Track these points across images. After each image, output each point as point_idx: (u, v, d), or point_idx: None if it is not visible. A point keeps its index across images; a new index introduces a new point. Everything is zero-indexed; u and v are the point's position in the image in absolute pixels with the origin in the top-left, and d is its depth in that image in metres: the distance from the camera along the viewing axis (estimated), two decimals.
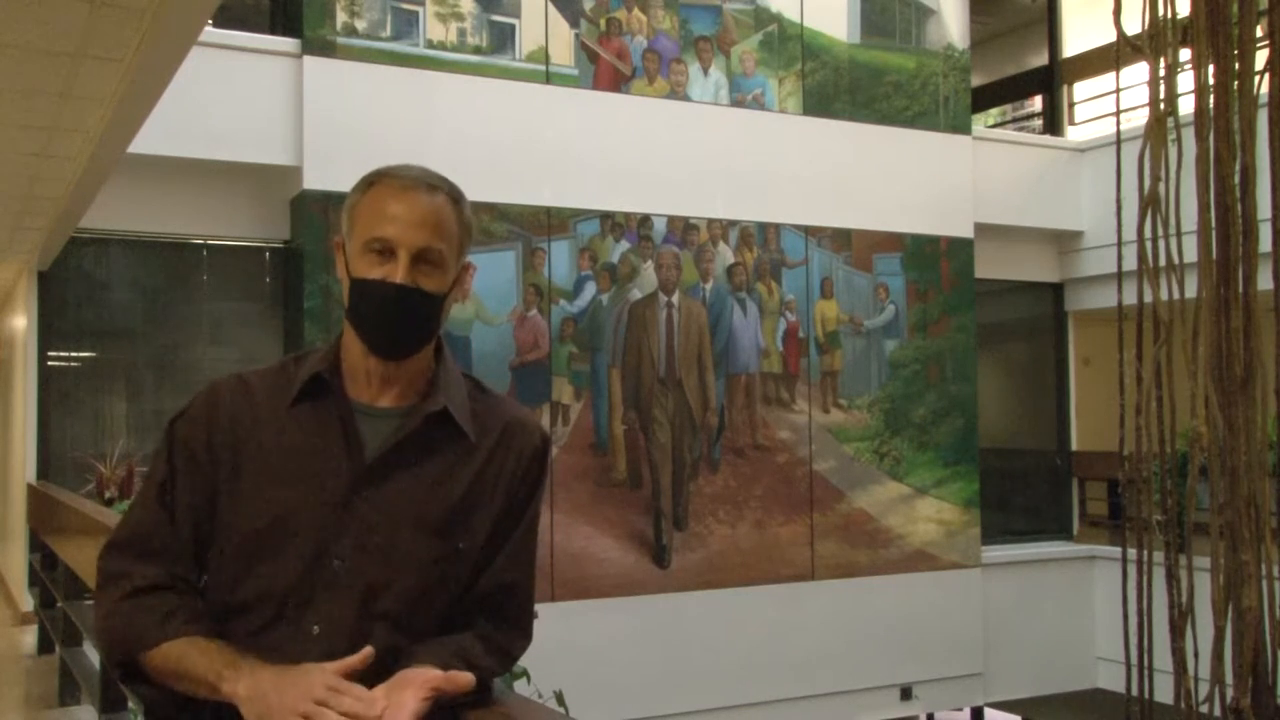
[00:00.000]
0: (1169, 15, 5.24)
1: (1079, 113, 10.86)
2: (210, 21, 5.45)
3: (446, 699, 1.38)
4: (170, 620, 1.44)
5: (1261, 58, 5.12)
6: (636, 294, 8.19)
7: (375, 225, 1.48)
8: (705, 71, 8.50)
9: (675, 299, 8.30)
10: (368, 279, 1.48)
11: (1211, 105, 5.11)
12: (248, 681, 1.35)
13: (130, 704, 3.76)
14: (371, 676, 1.41)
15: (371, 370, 1.53)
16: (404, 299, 1.47)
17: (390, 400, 1.54)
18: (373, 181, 1.53)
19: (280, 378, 1.56)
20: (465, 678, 1.38)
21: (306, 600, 1.46)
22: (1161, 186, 5.26)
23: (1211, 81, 5.11)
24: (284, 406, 1.53)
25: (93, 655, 4.91)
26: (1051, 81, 10.78)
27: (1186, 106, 5.46)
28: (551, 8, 7.96)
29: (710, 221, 8.45)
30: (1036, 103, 11.77)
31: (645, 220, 8.22)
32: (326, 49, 7.24)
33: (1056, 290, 10.67)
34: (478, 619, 1.54)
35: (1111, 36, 5.61)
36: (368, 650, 1.38)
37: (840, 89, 9.01)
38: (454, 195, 1.54)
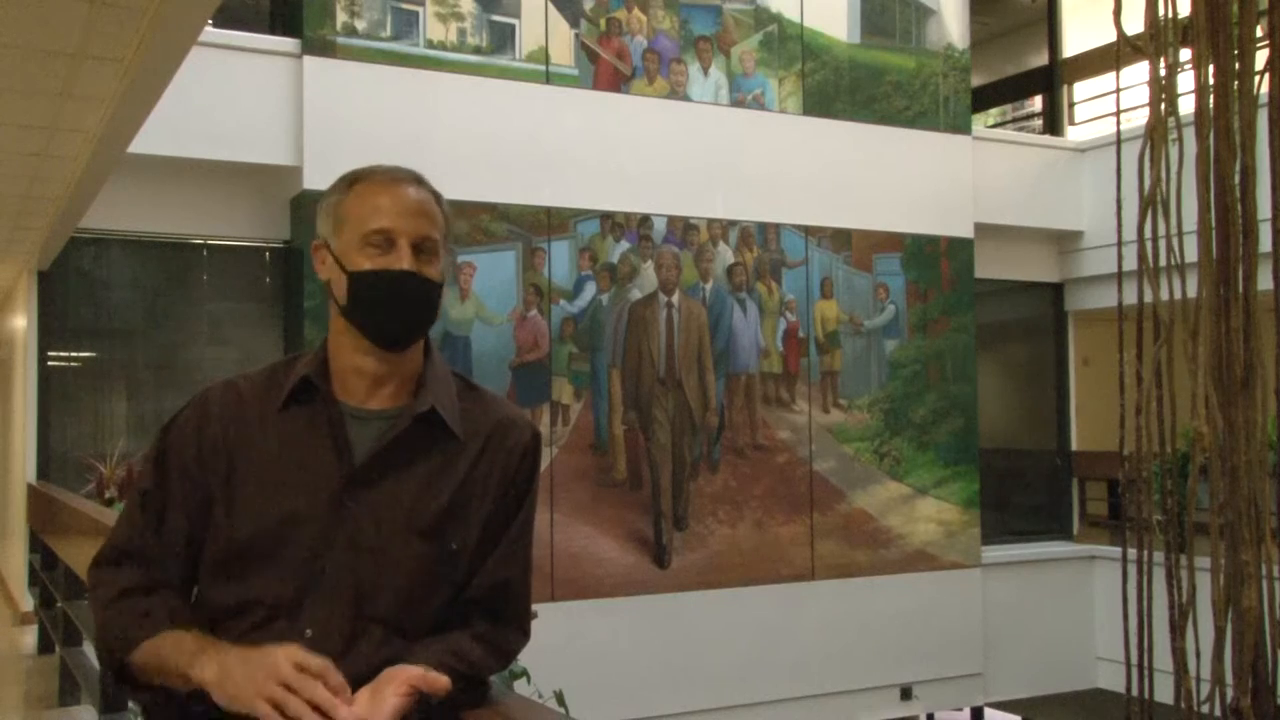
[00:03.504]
0: (1169, 15, 5.24)
1: (1079, 113, 10.86)
2: (210, 21, 5.45)
3: (428, 697, 1.39)
4: (146, 621, 1.45)
5: (1261, 58, 5.12)
6: (636, 294, 8.19)
7: (370, 219, 1.49)
8: (705, 71, 8.50)
9: (675, 299, 8.30)
10: (373, 269, 1.49)
11: (1211, 105, 5.11)
12: (214, 666, 1.35)
13: (130, 704, 3.76)
14: (367, 680, 1.41)
15: (363, 370, 1.53)
16: (412, 284, 1.49)
17: (380, 402, 1.54)
18: (355, 180, 1.54)
19: (270, 382, 1.57)
20: (441, 681, 1.38)
21: (299, 603, 1.46)
22: (1161, 186, 5.25)
23: (1211, 81, 5.11)
24: (274, 411, 1.53)
25: (93, 655, 4.91)
26: (1051, 81, 10.78)
27: (1186, 106, 5.46)
28: (551, 8, 7.96)
29: (710, 221, 8.45)
30: (1036, 103, 11.77)
31: (645, 220, 8.22)
32: (326, 49, 7.24)
33: (1056, 290, 10.68)
34: (474, 618, 1.54)
35: (1111, 36, 5.60)
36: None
37: (840, 89, 9.01)
38: (434, 191, 1.58)
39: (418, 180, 1.55)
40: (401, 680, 1.36)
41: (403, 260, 1.48)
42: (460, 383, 1.62)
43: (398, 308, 1.49)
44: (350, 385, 1.54)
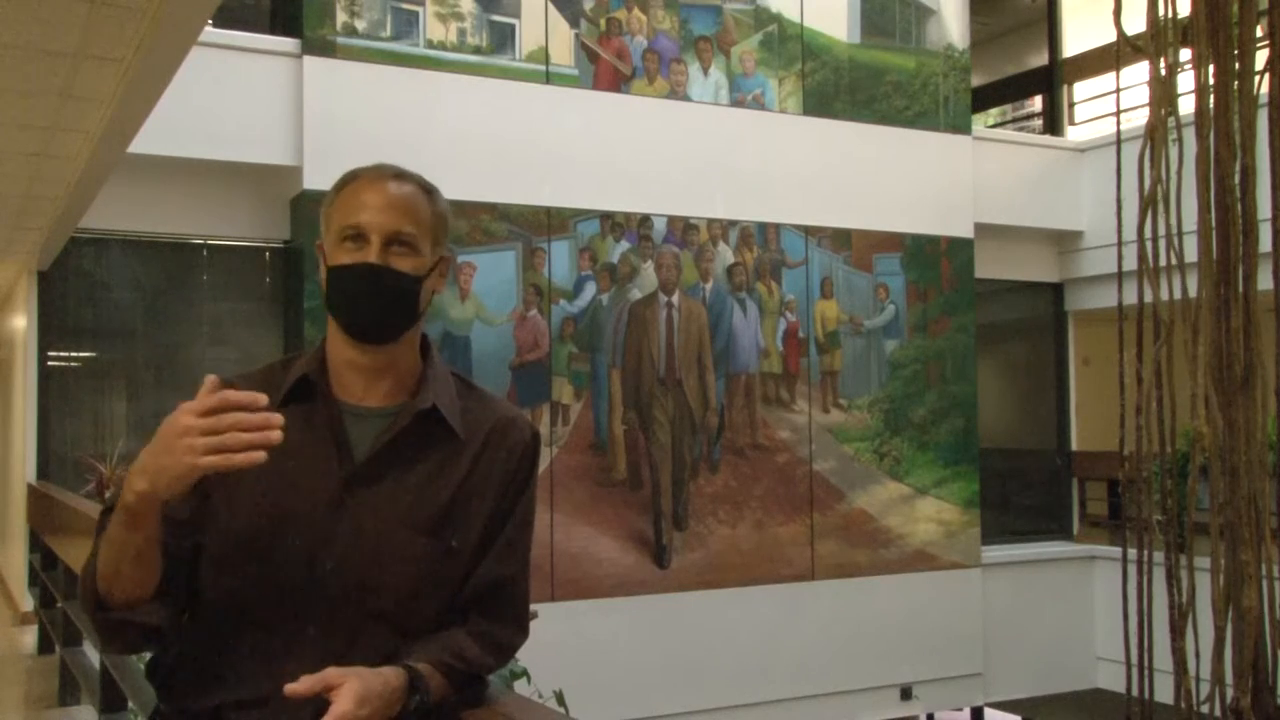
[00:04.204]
0: (1169, 15, 5.24)
1: (1079, 113, 10.87)
2: (210, 21, 5.45)
3: (426, 696, 1.39)
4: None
5: (1261, 58, 5.13)
6: (636, 294, 8.19)
7: (348, 215, 1.51)
8: (705, 71, 8.50)
9: (675, 299, 8.30)
10: (342, 263, 1.51)
11: (1211, 105, 5.11)
12: (137, 477, 1.31)
13: (130, 704, 3.76)
14: None
15: (357, 365, 1.54)
16: (378, 277, 1.49)
17: (378, 400, 1.55)
18: (347, 180, 1.56)
19: (266, 382, 1.56)
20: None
21: (301, 602, 1.46)
22: (1161, 186, 5.26)
23: (1211, 81, 5.11)
24: (271, 409, 1.53)
25: (93, 655, 4.91)
26: (1051, 81, 10.78)
27: (1186, 106, 5.47)
28: (551, 8, 7.96)
29: (710, 221, 8.45)
30: (1036, 103, 11.77)
31: (645, 220, 8.22)
32: (326, 49, 7.24)
33: (1056, 290, 10.68)
34: (473, 616, 1.54)
35: (1111, 36, 5.61)
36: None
37: (840, 89, 9.01)
38: (425, 186, 1.58)
39: (399, 175, 1.56)
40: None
41: (371, 254, 1.49)
42: (459, 382, 1.62)
43: (366, 300, 1.50)
44: (347, 383, 1.55)
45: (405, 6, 7.54)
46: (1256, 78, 5.09)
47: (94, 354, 7.51)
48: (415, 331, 1.57)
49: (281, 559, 1.47)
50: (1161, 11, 5.24)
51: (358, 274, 1.49)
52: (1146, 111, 5.59)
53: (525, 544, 1.61)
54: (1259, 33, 5.26)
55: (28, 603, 7.39)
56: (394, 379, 1.56)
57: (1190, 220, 5.24)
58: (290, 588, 1.46)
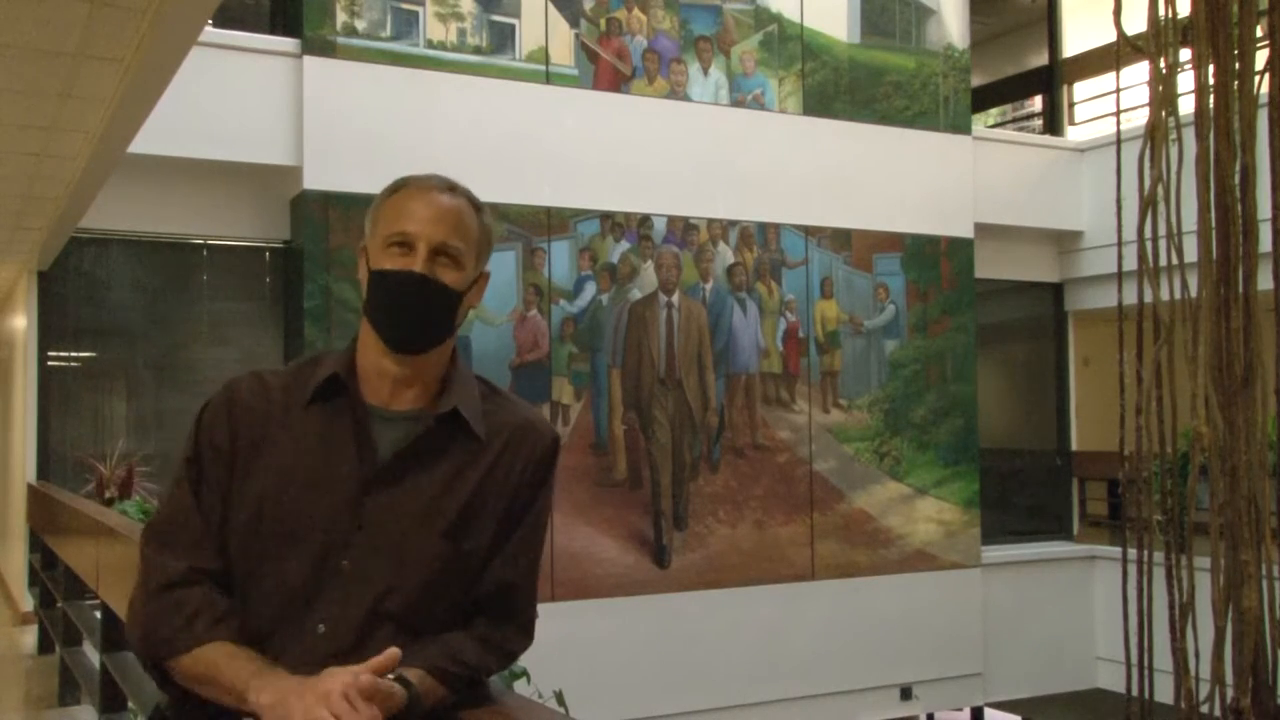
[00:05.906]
0: (1169, 15, 5.24)
1: (1079, 113, 10.87)
2: (210, 21, 5.45)
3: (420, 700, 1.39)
4: (194, 624, 1.44)
5: (1261, 58, 5.12)
6: (636, 294, 8.19)
7: (396, 222, 1.52)
8: (705, 71, 8.50)
9: (675, 299, 8.30)
10: (387, 269, 1.51)
11: (1211, 105, 5.11)
12: (271, 690, 1.34)
13: (130, 704, 3.76)
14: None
15: (386, 372, 1.54)
16: (421, 287, 1.50)
17: (404, 404, 1.56)
18: (397, 187, 1.57)
19: (296, 378, 1.58)
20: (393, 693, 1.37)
21: (313, 599, 1.47)
22: (1161, 186, 5.25)
23: (1211, 81, 5.11)
24: (299, 406, 1.54)
25: (93, 655, 4.91)
26: (1051, 81, 10.78)
27: (1186, 106, 5.46)
28: (551, 8, 7.96)
29: (710, 221, 8.45)
30: (1036, 103, 11.77)
31: (645, 220, 8.22)
32: (326, 49, 7.24)
33: (1056, 290, 10.68)
34: (477, 617, 1.55)
35: (1112, 36, 5.61)
36: (394, 652, 1.36)
37: (840, 89, 9.01)
38: (473, 201, 1.58)
39: (450, 188, 1.56)
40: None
41: (417, 263, 1.50)
42: (483, 385, 1.63)
43: (407, 309, 1.50)
44: (375, 386, 1.56)
45: (405, 6, 7.54)
46: (1256, 78, 5.09)
47: (94, 354, 7.51)
48: (448, 343, 1.58)
49: (297, 555, 1.47)
50: (1161, 11, 5.24)
51: (401, 281, 1.50)
52: (1146, 111, 5.58)
53: (536, 548, 1.62)
54: (1259, 33, 5.26)
55: (28, 603, 7.39)
56: (421, 384, 1.56)
57: (1190, 220, 5.24)
58: (304, 585, 1.47)
